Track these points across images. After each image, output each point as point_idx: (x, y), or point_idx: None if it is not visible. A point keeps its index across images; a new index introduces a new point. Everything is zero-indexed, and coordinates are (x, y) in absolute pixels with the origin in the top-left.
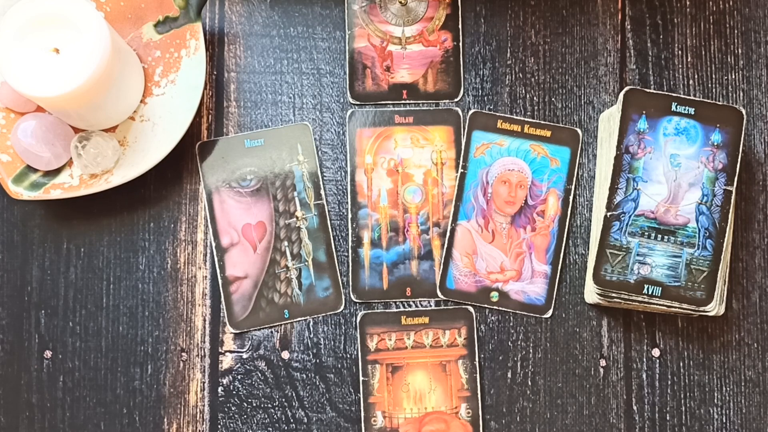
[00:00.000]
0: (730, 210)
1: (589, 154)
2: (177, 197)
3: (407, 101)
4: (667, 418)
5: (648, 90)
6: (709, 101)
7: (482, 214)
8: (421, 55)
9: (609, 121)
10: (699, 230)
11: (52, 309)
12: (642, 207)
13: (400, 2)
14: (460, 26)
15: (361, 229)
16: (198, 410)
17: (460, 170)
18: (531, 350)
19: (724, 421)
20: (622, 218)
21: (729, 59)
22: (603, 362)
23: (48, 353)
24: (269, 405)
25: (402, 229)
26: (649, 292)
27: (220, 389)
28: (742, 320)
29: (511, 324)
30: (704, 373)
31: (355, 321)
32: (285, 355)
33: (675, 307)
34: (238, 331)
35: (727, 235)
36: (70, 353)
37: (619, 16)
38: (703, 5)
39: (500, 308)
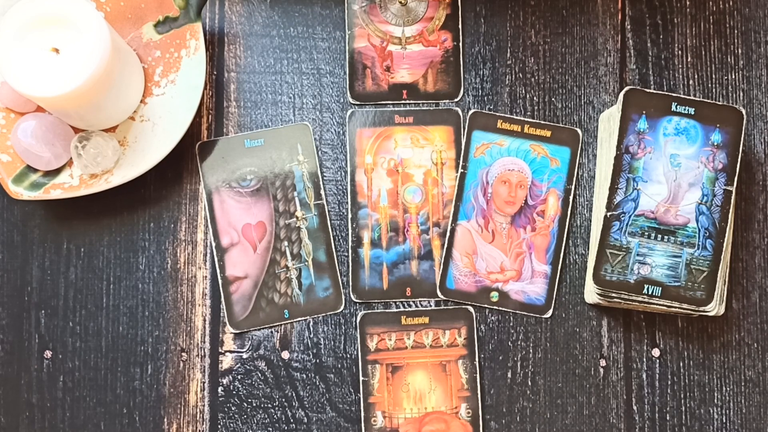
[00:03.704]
0: (730, 210)
1: (589, 154)
2: (177, 197)
3: (407, 101)
4: (667, 418)
5: (648, 90)
6: (709, 101)
7: (482, 214)
8: (421, 55)
9: (609, 121)
10: (699, 230)
11: (52, 309)
12: (642, 207)
13: (400, 2)
14: (460, 26)
15: (361, 229)
16: (198, 410)
17: (460, 170)
18: (531, 350)
19: (724, 421)
20: (622, 218)
21: (729, 59)
22: (603, 362)
23: (48, 353)
24: (269, 405)
25: (402, 229)
26: (649, 292)
27: (220, 389)
28: (742, 320)
29: (511, 324)
30: (704, 373)
31: (355, 321)
32: (285, 355)
33: (675, 307)
34: (238, 331)
35: (727, 235)
36: (70, 353)
37: (619, 16)
38: (703, 5)
39: (500, 308)
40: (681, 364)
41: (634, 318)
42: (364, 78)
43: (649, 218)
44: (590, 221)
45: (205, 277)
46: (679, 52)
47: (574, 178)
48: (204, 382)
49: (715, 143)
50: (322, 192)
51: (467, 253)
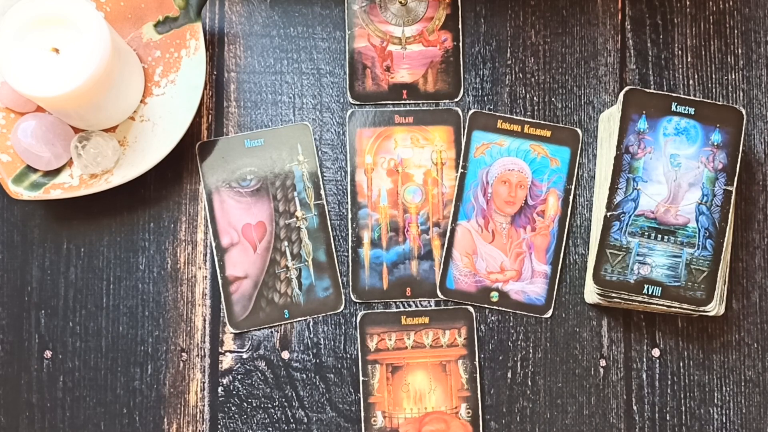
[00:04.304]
0: (730, 210)
1: (589, 154)
2: (177, 197)
3: (407, 101)
4: (667, 418)
5: (648, 90)
6: (709, 101)
7: (482, 214)
8: (421, 55)
9: (609, 121)
10: (699, 230)
11: (52, 309)
12: (642, 207)
13: (400, 2)
14: (460, 26)
15: (361, 229)
16: (198, 410)
17: (460, 170)
18: (531, 350)
19: (724, 421)
20: (622, 218)
21: (729, 59)
22: (603, 362)
23: (48, 353)
24: (269, 405)
25: (402, 229)
26: (649, 292)
27: (220, 389)
28: (742, 320)
29: (511, 324)
30: (704, 373)
31: (355, 321)
32: (285, 355)
33: (675, 307)
34: (238, 331)
35: (727, 235)
36: (70, 353)
37: (619, 16)
38: (703, 5)
39: (500, 308)
40: (681, 364)
41: (634, 318)
42: (364, 78)
43: (649, 218)
44: (590, 221)
45: (205, 277)
46: (679, 52)
47: (574, 178)
48: (204, 382)
49: (715, 143)
50: (322, 192)
51: (467, 253)
